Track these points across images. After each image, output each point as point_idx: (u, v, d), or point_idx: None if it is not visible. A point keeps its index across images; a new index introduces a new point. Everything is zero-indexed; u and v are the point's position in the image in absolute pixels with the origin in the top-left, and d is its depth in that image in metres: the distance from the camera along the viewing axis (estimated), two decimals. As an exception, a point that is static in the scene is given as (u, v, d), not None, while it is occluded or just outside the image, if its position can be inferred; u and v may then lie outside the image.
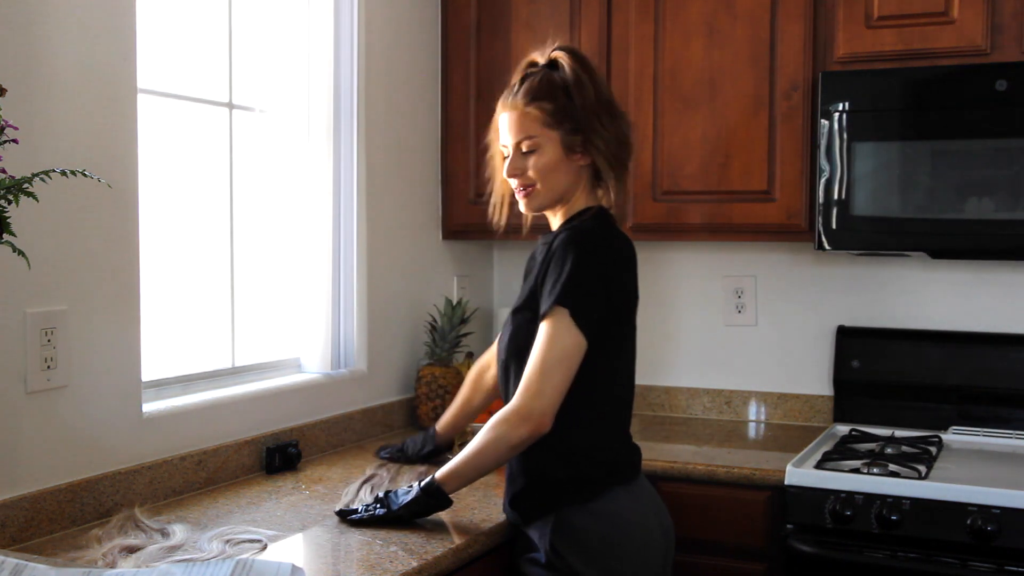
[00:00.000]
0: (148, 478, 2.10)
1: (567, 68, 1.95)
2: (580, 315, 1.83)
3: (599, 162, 1.95)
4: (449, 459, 1.99)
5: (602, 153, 1.93)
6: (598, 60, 2.86)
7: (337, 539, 1.90)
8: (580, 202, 1.99)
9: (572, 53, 1.97)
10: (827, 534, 2.28)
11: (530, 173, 1.97)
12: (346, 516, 1.98)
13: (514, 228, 2.14)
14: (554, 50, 1.98)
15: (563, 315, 1.83)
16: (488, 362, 2.36)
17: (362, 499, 2.11)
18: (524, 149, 1.98)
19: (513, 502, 1.97)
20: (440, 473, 1.94)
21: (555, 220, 2.02)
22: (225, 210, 2.48)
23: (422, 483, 1.94)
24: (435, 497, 1.93)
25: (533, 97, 1.95)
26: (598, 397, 1.93)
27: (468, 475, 1.93)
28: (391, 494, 1.97)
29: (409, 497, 1.93)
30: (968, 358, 2.75)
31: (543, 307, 1.86)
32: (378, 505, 1.96)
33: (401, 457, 2.44)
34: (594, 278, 1.86)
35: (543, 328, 1.85)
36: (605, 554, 1.87)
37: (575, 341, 1.83)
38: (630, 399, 2.05)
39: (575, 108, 1.92)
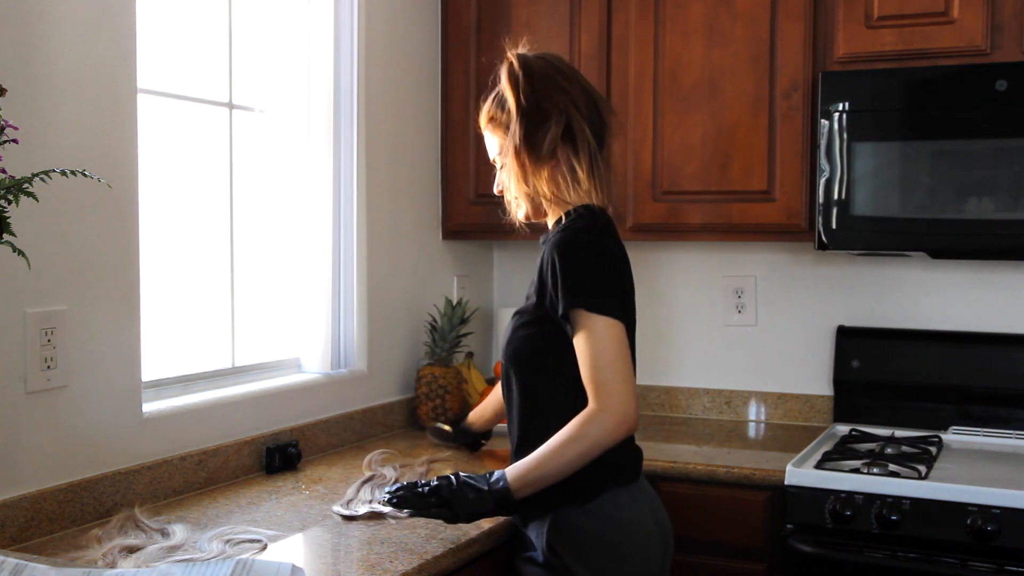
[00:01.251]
0: (148, 478, 2.10)
1: (500, 84, 1.96)
2: (599, 305, 1.82)
3: (540, 170, 1.93)
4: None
5: (532, 156, 1.92)
6: (598, 61, 2.86)
7: (337, 539, 1.90)
8: (566, 200, 1.95)
9: (508, 64, 1.96)
10: (827, 534, 2.28)
11: (504, 188, 2.01)
12: (394, 495, 1.86)
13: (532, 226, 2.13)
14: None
15: (585, 314, 1.82)
16: None
17: (362, 498, 2.10)
18: (496, 165, 2.03)
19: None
20: (514, 480, 1.82)
21: (550, 221, 2.02)
22: (225, 210, 2.48)
23: (494, 493, 1.82)
24: (504, 508, 1.84)
25: (488, 115, 2.01)
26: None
27: (547, 481, 1.83)
28: (462, 487, 1.82)
29: (481, 508, 1.82)
30: (968, 358, 2.75)
31: (560, 311, 1.85)
32: (436, 501, 1.83)
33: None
34: (596, 267, 1.86)
35: (580, 337, 1.83)
36: (601, 555, 1.86)
37: (617, 330, 1.83)
38: None
39: (511, 119, 1.94)
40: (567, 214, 1.96)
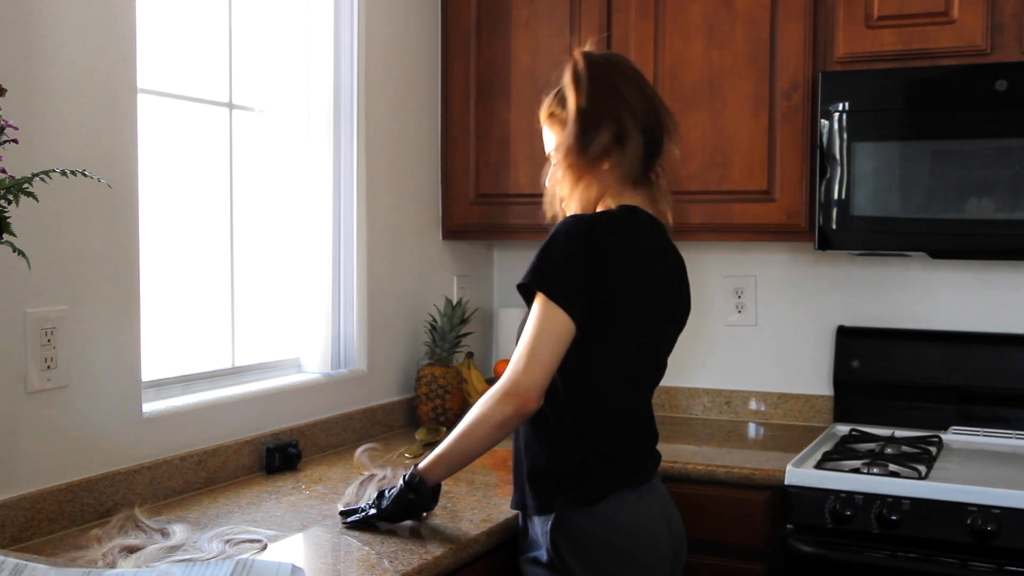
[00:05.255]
0: (148, 478, 2.10)
1: (563, 81, 1.94)
2: (556, 294, 1.81)
3: (589, 170, 1.92)
4: None
5: (585, 160, 1.91)
6: (598, 60, 2.86)
7: (337, 539, 1.90)
8: (607, 205, 1.94)
9: (575, 61, 1.94)
10: (827, 534, 2.28)
11: (552, 184, 1.99)
12: (346, 517, 1.99)
13: None
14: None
15: (540, 296, 1.82)
16: None
17: (362, 496, 2.10)
18: (551, 160, 2.01)
19: (520, 502, 1.94)
20: (423, 463, 1.92)
21: None
22: (225, 210, 2.48)
23: (404, 476, 1.93)
24: (416, 492, 1.91)
25: (548, 111, 1.99)
26: (609, 400, 1.89)
27: (454, 460, 1.91)
28: (384, 492, 1.97)
29: (394, 493, 1.93)
30: (968, 358, 2.75)
31: (521, 280, 1.85)
32: (372, 507, 1.96)
33: None
34: (573, 260, 1.83)
35: (533, 309, 1.84)
36: (605, 558, 1.85)
37: (558, 319, 1.80)
38: (646, 405, 2.00)
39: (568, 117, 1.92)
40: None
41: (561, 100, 1.95)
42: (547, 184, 2.03)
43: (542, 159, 2.04)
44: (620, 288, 1.88)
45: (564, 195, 1.97)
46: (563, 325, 1.81)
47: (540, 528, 1.90)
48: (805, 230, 2.70)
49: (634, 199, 1.93)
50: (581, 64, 1.92)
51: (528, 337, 1.82)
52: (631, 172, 1.92)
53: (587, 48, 1.96)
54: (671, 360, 1.95)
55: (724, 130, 2.75)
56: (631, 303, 1.91)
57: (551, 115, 1.99)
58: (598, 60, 1.94)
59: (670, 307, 2.01)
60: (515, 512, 2.00)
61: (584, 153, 1.90)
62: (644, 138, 1.91)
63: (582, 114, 1.90)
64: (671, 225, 2.05)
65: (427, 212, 3.08)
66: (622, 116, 1.89)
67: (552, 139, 2.00)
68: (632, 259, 1.90)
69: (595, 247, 1.84)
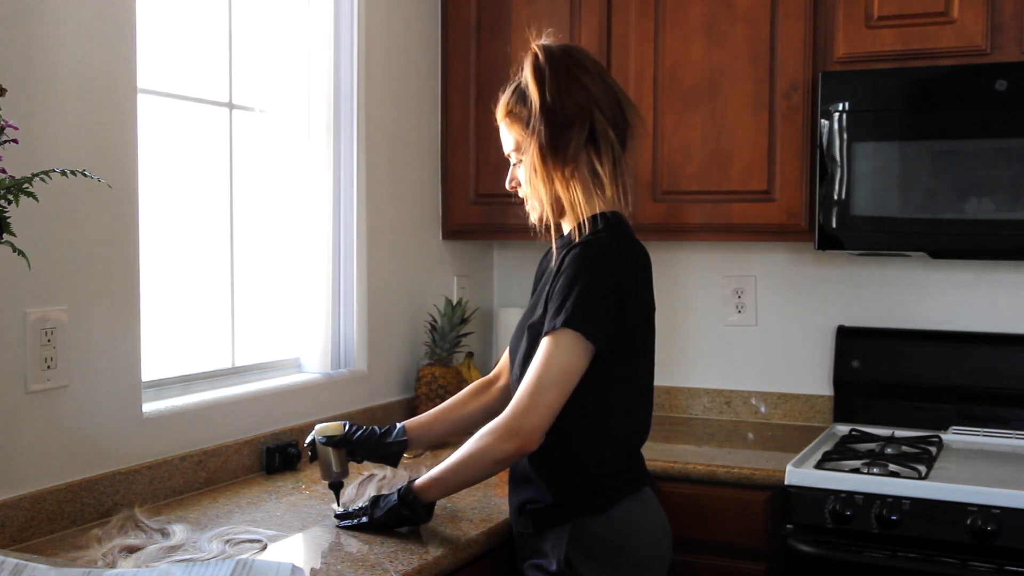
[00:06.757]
0: (148, 478, 2.10)
1: (523, 77, 1.87)
2: (590, 333, 1.76)
3: (558, 170, 1.84)
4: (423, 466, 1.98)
5: (557, 159, 1.83)
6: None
7: (337, 539, 1.90)
8: (587, 207, 1.86)
9: (533, 56, 1.86)
10: (827, 534, 2.28)
11: (520, 185, 1.93)
12: (341, 520, 1.98)
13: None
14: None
15: (568, 335, 1.75)
16: (496, 375, 2.18)
17: (362, 495, 2.10)
18: (512, 161, 1.94)
19: (529, 512, 1.90)
20: (420, 481, 1.90)
21: (565, 226, 1.93)
22: (225, 210, 2.48)
23: (400, 490, 1.91)
24: (410, 507, 1.89)
25: (506, 108, 1.91)
26: (619, 410, 1.87)
27: (449, 485, 1.89)
28: (379, 499, 1.94)
29: (388, 505, 1.91)
30: (968, 358, 2.75)
31: (548, 326, 1.78)
32: (364, 515, 1.94)
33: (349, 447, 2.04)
34: (605, 296, 1.78)
35: (544, 344, 1.78)
36: (619, 562, 1.84)
37: (576, 360, 1.76)
38: (649, 411, 1.98)
39: (533, 115, 1.84)
40: (589, 221, 1.85)
41: (520, 96, 1.87)
42: (508, 187, 1.97)
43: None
44: (636, 311, 1.85)
45: (541, 199, 1.87)
46: (584, 363, 1.77)
47: (554, 538, 1.86)
48: (805, 230, 2.70)
49: (606, 199, 1.86)
50: (542, 58, 1.84)
51: (537, 375, 1.76)
52: (606, 170, 1.84)
53: (544, 41, 1.89)
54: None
55: (724, 130, 2.75)
56: (642, 323, 1.90)
57: (509, 112, 1.90)
58: (558, 52, 1.86)
59: (653, 312, 1.97)
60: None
61: (559, 155, 1.82)
62: (614, 133, 1.85)
63: (549, 111, 1.82)
64: (635, 222, 2.00)
65: (427, 212, 3.08)
66: (592, 112, 1.83)
67: (510, 138, 1.92)
68: (639, 279, 1.89)
69: (620, 283, 1.81)
